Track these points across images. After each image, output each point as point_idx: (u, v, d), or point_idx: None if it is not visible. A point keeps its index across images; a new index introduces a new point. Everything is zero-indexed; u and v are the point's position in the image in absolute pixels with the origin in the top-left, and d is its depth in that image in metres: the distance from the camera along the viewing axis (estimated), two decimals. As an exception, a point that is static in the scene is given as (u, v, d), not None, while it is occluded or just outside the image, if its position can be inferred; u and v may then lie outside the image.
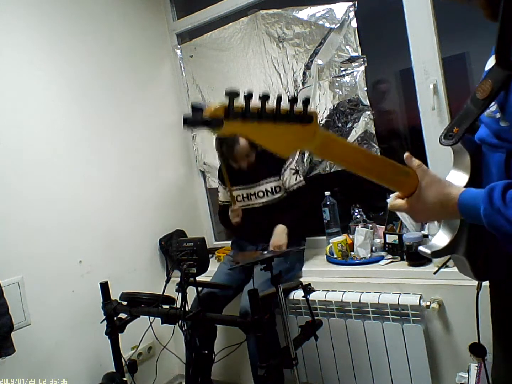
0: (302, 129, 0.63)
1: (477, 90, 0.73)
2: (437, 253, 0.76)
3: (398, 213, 1.88)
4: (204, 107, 0.58)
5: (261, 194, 2.18)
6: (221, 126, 0.57)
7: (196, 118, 0.57)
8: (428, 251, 0.76)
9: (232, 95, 0.57)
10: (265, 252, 1.98)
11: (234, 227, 2.23)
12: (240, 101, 0.58)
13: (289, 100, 0.62)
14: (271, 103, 0.61)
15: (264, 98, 0.59)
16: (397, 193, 0.77)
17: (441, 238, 0.77)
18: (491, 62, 0.75)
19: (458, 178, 0.77)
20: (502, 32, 0.66)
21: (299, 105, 0.63)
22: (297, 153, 2.36)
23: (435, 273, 1.11)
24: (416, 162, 0.74)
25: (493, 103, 0.72)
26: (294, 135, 0.63)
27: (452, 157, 0.82)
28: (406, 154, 0.74)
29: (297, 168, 2.21)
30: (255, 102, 0.59)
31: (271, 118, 0.60)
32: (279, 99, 0.61)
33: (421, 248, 0.77)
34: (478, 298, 0.90)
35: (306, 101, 0.63)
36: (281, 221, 2.10)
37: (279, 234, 2.05)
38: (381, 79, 2.31)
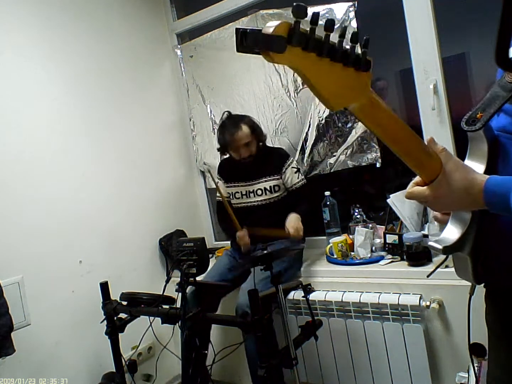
0: (357, 76, 0.55)
1: (508, 74, 0.69)
2: (449, 248, 0.70)
3: (398, 213, 1.89)
4: (255, 28, 0.49)
5: (259, 192, 2.18)
6: (283, 49, 0.48)
7: (257, 34, 0.47)
8: (439, 246, 0.70)
9: (300, 12, 0.47)
10: (265, 252, 1.98)
11: (231, 229, 2.21)
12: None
13: (351, 39, 0.53)
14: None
15: (331, 26, 0.50)
16: (415, 180, 0.72)
17: (451, 232, 0.72)
18: None
19: (474, 168, 0.72)
20: (502, 31, 0.66)
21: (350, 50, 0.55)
22: (297, 153, 2.37)
23: (428, 276, 1.06)
24: (440, 146, 0.69)
25: None
26: (348, 82, 0.55)
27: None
28: (429, 138, 0.70)
29: (298, 166, 2.22)
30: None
31: (332, 54, 0.52)
32: (343, 32, 0.52)
33: (431, 243, 0.72)
34: (471, 302, 0.85)
35: (367, 43, 0.55)
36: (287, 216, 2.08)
37: (296, 219, 2.02)
38: (378, 77, 2.31)
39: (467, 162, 0.75)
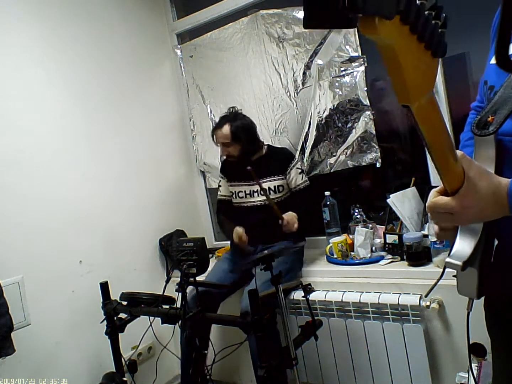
0: (431, 62, 0.48)
1: None
2: (467, 263, 0.65)
3: (398, 213, 1.89)
4: None
5: (263, 192, 2.18)
6: (392, 15, 0.39)
7: None
8: (459, 263, 0.64)
9: None
10: (265, 252, 1.98)
11: (229, 227, 2.21)
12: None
13: (435, 15, 0.44)
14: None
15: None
16: (437, 189, 0.66)
17: (463, 245, 0.66)
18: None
19: None
20: (502, 31, 0.66)
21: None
22: (297, 153, 2.37)
23: (426, 295, 1.01)
24: (459, 152, 0.62)
25: None
26: (424, 68, 0.48)
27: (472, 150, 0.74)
28: None
29: (303, 168, 2.22)
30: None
31: (422, 32, 0.43)
32: (440, 9, 0.43)
33: (449, 260, 0.66)
34: (469, 319, 0.81)
35: (446, 22, 0.46)
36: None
37: (291, 215, 2.03)
38: (377, 76, 2.30)
39: None
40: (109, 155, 2.32)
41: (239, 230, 2.09)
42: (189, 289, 1.73)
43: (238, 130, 2.12)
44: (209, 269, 2.15)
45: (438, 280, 0.91)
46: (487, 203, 0.62)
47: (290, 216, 2.01)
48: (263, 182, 2.17)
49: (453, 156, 0.60)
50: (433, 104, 0.54)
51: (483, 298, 0.83)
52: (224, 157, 2.28)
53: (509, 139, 0.70)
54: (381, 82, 2.32)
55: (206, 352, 1.93)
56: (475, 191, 0.61)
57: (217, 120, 2.34)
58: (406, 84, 0.46)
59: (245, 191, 2.23)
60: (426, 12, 0.43)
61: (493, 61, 0.74)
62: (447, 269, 0.72)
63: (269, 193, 2.16)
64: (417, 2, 0.41)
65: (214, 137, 2.20)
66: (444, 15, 0.46)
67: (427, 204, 0.67)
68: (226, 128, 2.12)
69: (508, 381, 0.84)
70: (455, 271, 0.71)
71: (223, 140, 2.14)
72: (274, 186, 2.16)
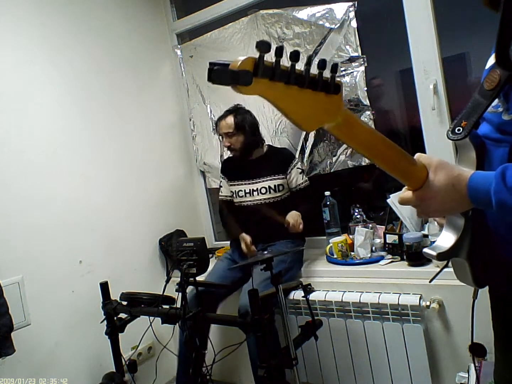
0: (328, 99, 0.57)
1: (485, 81, 0.71)
2: (443, 255, 0.72)
3: (398, 213, 1.89)
4: (226, 62, 0.51)
5: (263, 190, 2.18)
6: (250, 82, 0.50)
7: (224, 70, 0.50)
8: (434, 253, 0.71)
9: (264, 47, 0.50)
10: (265, 252, 1.98)
11: (234, 228, 2.22)
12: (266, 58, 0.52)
13: (318, 65, 0.55)
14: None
15: (295, 56, 0.52)
16: (407, 187, 0.73)
17: (445, 238, 0.73)
18: (491, 61, 0.75)
19: None
20: (502, 32, 0.66)
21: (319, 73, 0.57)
22: (297, 153, 2.37)
23: (430, 281, 1.07)
24: (418, 154, 0.71)
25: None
26: (319, 106, 0.57)
27: (453, 155, 0.80)
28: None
29: (303, 168, 2.22)
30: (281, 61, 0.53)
31: (299, 82, 0.54)
32: (309, 61, 0.54)
33: (426, 250, 0.73)
34: (474, 306, 0.86)
35: (335, 68, 0.57)
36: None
37: (295, 215, 2.03)
38: (375, 76, 2.30)
39: None
40: (109, 155, 2.32)
41: (246, 238, 2.08)
42: (189, 289, 1.74)
43: (242, 120, 2.16)
44: (210, 269, 2.17)
45: (444, 267, 0.95)
46: (446, 195, 0.67)
47: (294, 217, 2.01)
48: (263, 181, 2.17)
49: (406, 161, 0.67)
50: (353, 123, 0.62)
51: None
52: (225, 149, 2.29)
53: (489, 142, 0.75)
54: (377, 80, 2.31)
55: (205, 352, 1.93)
56: (432, 184, 0.67)
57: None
58: (293, 119, 0.56)
59: (244, 190, 2.24)
60: (305, 67, 0.54)
61: (487, 66, 0.75)
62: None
63: (269, 191, 2.17)
64: (281, 67, 0.52)
65: (218, 128, 2.23)
66: (333, 63, 0.59)
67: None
68: (230, 118, 2.16)
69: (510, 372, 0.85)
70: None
71: (227, 129, 2.16)
72: (274, 185, 2.17)
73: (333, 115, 0.59)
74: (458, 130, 0.73)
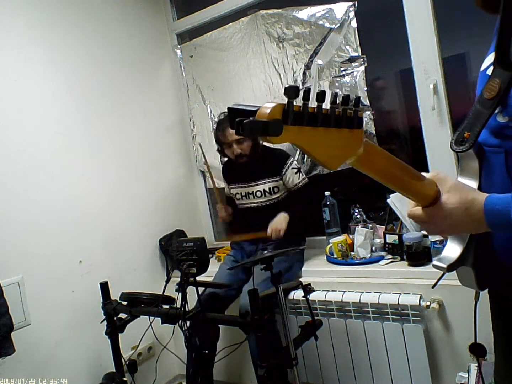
0: (351, 134, 0.56)
1: (485, 90, 0.71)
2: (452, 266, 0.72)
3: (398, 213, 1.88)
4: (249, 108, 0.49)
5: (258, 194, 2.18)
6: (280, 132, 0.48)
7: (255, 123, 0.47)
8: (444, 265, 0.71)
9: (292, 93, 0.48)
10: (265, 252, 1.98)
11: (235, 224, 2.23)
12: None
13: (342, 100, 0.54)
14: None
15: (321, 97, 0.50)
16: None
17: (452, 249, 0.73)
18: (487, 62, 0.74)
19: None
20: (502, 32, 0.66)
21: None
22: (297, 153, 2.36)
23: (433, 286, 1.08)
24: (434, 172, 0.70)
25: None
26: (343, 142, 0.56)
27: (453, 155, 0.80)
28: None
29: (299, 166, 2.21)
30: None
31: (326, 122, 0.52)
32: (335, 98, 0.53)
33: (435, 262, 0.74)
34: (476, 308, 0.86)
35: (358, 102, 0.56)
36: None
37: (279, 219, 2.05)
38: (378, 76, 2.30)
39: (460, 179, 0.76)
40: (109, 155, 2.32)
41: (219, 205, 2.21)
42: (201, 290, 1.74)
43: None
44: (215, 271, 2.17)
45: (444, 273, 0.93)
46: (458, 218, 0.67)
47: (275, 224, 2.03)
48: (258, 185, 2.17)
49: (416, 179, 0.67)
50: (370, 153, 0.61)
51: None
52: (235, 156, 2.16)
53: (487, 149, 0.75)
54: (380, 82, 2.32)
55: (206, 352, 1.93)
56: (445, 204, 0.67)
57: (216, 120, 2.34)
58: (319, 160, 0.55)
59: (241, 193, 2.24)
60: (330, 105, 0.53)
61: (483, 67, 0.75)
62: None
63: (265, 195, 2.16)
64: (309, 112, 0.50)
65: (223, 137, 2.12)
66: (355, 96, 0.56)
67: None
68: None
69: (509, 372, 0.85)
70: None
71: (238, 136, 2.10)
72: (269, 188, 2.16)
73: (356, 149, 0.58)
74: (462, 141, 0.72)
